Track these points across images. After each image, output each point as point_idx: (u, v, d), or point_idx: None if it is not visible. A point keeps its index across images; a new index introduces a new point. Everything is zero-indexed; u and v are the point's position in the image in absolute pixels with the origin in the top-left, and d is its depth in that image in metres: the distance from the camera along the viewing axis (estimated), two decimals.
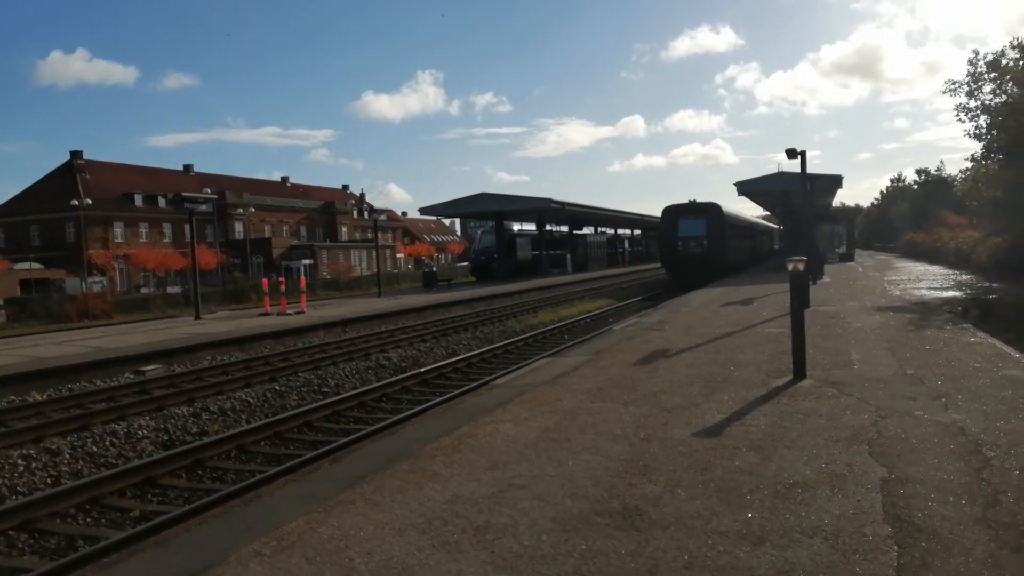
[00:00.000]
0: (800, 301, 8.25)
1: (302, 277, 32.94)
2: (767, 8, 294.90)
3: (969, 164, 29.14)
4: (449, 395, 11.28)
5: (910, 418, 6.14)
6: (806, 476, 4.79)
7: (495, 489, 4.89)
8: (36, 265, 56.60)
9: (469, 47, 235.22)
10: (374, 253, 42.83)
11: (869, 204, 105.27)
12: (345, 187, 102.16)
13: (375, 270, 38.51)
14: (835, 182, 35.92)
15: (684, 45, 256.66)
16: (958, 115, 25.34)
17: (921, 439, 5.50)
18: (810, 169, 20.81)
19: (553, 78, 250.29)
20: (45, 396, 12.57)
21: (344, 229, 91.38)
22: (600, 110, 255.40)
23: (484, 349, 16.22)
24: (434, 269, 51.78)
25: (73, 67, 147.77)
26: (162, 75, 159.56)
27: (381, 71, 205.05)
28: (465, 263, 66.70)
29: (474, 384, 11.97)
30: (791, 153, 21.40)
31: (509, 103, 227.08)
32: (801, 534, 3.87)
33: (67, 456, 9.02)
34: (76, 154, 69.39)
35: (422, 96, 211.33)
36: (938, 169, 78.79)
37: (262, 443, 9.40)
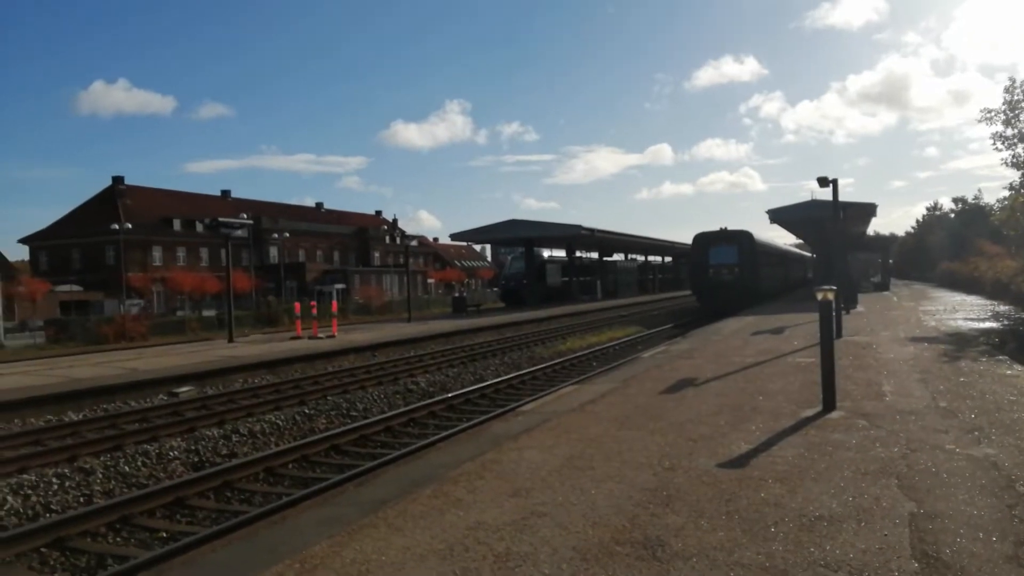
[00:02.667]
0: (829, 331, 8.17)
1: (333, 301, 33.27)
2: (790, 39, 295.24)
3: (1007, 193, 28.62)
4: (475, 421, 11.29)
5: (941, 452, 6.03)
6: (832, 509, 4.73)
7: (517, 516, 4.90)
8: (76, 288, 58.08)
9: (495, 78, 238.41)
10: (405, 278, 43.12)
11: (904, 233, 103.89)
12: (378, 213, 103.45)
13: (406, 295, 38.75)
14: (868, 210, 35.54)
15: (707, 75, 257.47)
16: (995, 143, 24.91)
17: (952, 473, 5.40)
18: (842, 197, 20.70)
19: (578, 108, 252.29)
20: (80, 416, 12.81)
21: (376, 254, 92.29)
22: (627, 138, 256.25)
23: (511, 375, 16.23)
24: (464, 295, 51.93)
25: (113, 97, 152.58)
26: (198, 105, 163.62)
27: (410, 101, 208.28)
28: (495, 289, 66.84)
29: (500, 410, 11.97)
30: (823, 181, 21.29)
31: (535, 132, 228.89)
32: (825, 568, 3.82)
33: (100, 475, 9.17)
34: (118, 179, 71.23)
35: (450, 125, 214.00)
36: (975, 198, 77.47)
37: (290, 466, 9.48)
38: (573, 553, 4.21)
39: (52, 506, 8.19)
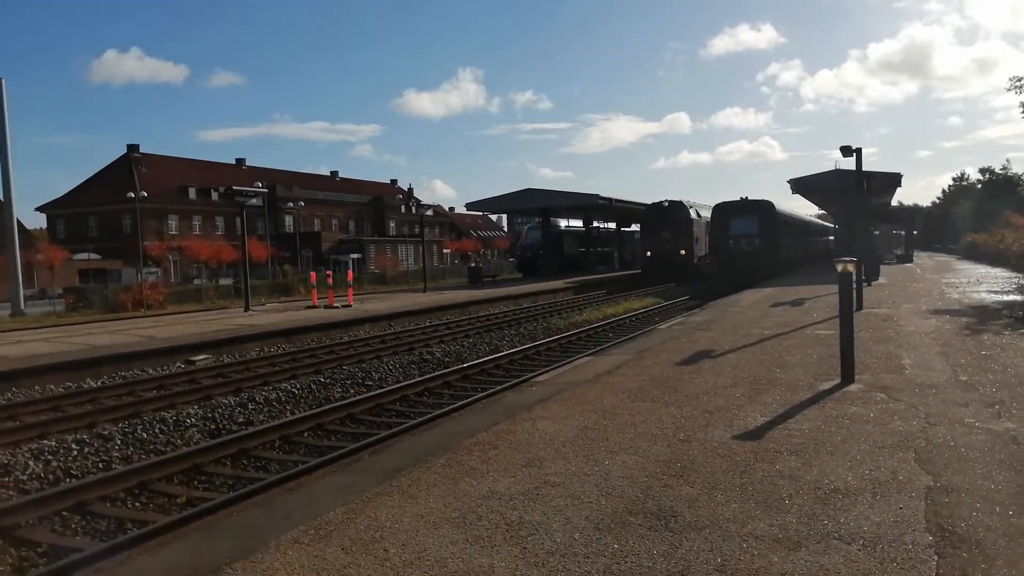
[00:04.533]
0: (849, 303, 8.06)
1: (349, 271, 33.39)
2: (808, 6, 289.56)
3: None
4: (490, 391, 11.32)
5: (960, 425, 5.97)
6: (848, 482, 4.69)
7: (530, 486, 4.90)
8: (94, 256, 58.52)
9: (507, 46, 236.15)
10: (421, 248, 43.13)
11: (929, 204, 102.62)
12: (393, 182, 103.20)
13: (421, 265, 38.79)
14: (893, 180, 35.04)
15: (723, 43, 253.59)
16: None
17: (970, 447, 5.34)
18: (866, 167, 20.31)
19: (593, 76, 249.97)
20: (99, 383, 12.97)
21: (392, 224, 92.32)
22: (644, 107, 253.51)
23: (527, 346, 16.24)
24: (480, 265, 51.90)
25: (126, 65, 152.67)
26: (210, 73, 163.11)
27: (421, 69, 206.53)
28: (511, 259, 66.76)
29: (515, 381, 11.98)
30: (846, 151, 20.92)
31: (549, 100, 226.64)
32: (839, 540, 3.79)
33: (118, 442, 9.29)
34: (133, 147, 71.44)
35: (463, 93, 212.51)
36: (1004, 168, 76.22)
37: (306, 434, 9.56)
38: (586, 523, 4.20)
39: (72, 471, 8.31)
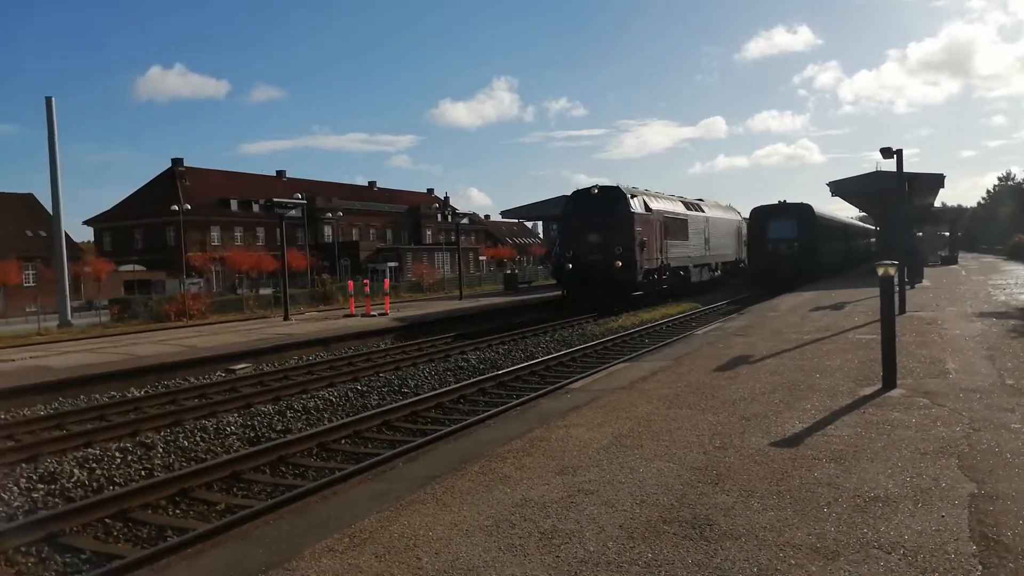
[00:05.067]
0: (890, 306, 7.91)
1: (386, 280, 33.63)
2: (844, 7, 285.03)
3: None
4: (524, 398, 11.30)
5: (1006, 431, 5.80)
6: (888, 490, 4.59)
7: (564, 494, 4.87)
8: (139, 267, 59.92)
9: (541, 55, 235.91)
10: (457, 256, 43.35)
11: (974, 205, 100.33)
12: (430, 191, 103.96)
13: (458, 272, 38.95)
14: (936, 181, 34.30)
15: (758, 46, 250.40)
16: None
17: (1016, 453, 5.18)
18: (908, 168, 19.94)
19: (626, 82, 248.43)
20: (142, 392, 13.24)
21: (428, 232, 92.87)
22: (679, 111, 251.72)
23: (562, 352, 16.19)
24: (515, 272, 51.91)
25: (170, 82, 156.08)
26: (251, 88, 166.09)
27: (457, 79, 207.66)
28: (546, 265, 66.70)
29: (550, 388, 11.94)
30: (887, 152, 20.54)
31: (583, 107, 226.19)
32: (879, 549, 3.71)
33: (160, 450, 9.46)
34: (177, 161, 72.99)
35: (497, 103, 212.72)
36: None
37: (343, 441, 9.63)
38: (619, 531, 4.17)
39: (115, 479, 8.47)
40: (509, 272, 50.38)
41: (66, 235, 33.70)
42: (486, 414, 10.37)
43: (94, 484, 8.29)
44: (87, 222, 74.64)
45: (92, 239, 76.13)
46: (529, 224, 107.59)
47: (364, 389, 13.13)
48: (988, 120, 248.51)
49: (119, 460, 8.99)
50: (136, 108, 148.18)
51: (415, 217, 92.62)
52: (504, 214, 48.26)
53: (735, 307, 25.11)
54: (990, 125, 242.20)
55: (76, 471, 8.51)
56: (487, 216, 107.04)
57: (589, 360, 15.67)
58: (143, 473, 8.72)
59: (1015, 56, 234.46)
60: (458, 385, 12.67)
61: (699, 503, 4.55)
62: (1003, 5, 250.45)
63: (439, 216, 67.63)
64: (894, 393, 7.46)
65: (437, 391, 12.20)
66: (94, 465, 8.76)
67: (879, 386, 7.74)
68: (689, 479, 5.04)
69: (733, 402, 7.47)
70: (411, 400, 11.50)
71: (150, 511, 7.26)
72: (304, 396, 12.51)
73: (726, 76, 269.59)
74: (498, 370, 14.32)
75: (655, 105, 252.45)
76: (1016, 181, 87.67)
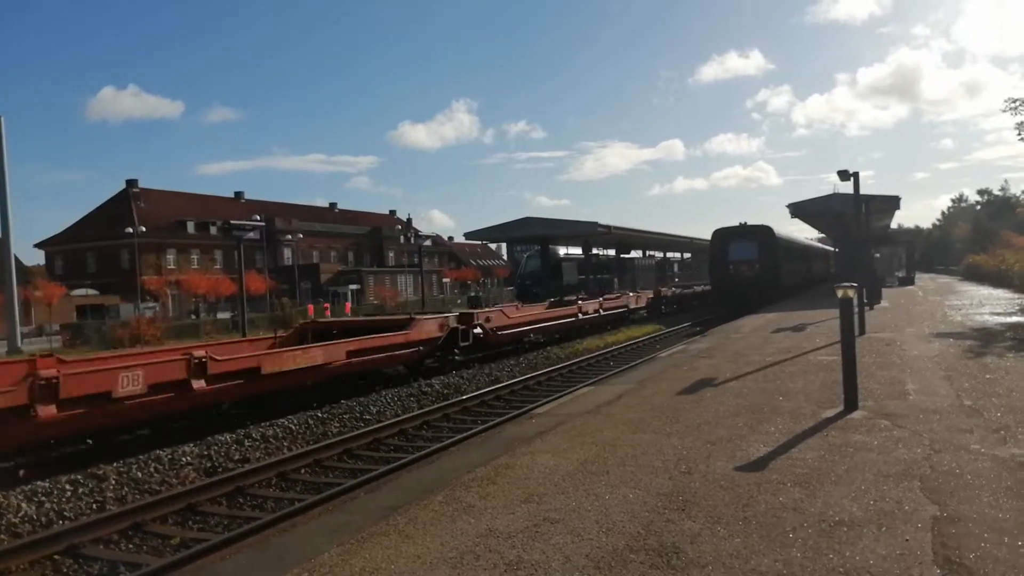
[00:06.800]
0: (850, 328, 8.00)
1: (347, 303, 33.32)
2: (794, 33, 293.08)
3: None
4: (489, 424, 11.19)
5: (966, 452, 5.87)
6: (853, 514, 4.59)
7: (529, 523, 4.79)
8: (92, 291, 58.53)
9: (499, 77, 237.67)
10: (420, 278, 43.14)
11: (929, 226, 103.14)
12: (392, 212, 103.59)
13: (421, 295, 38.75)
14: (892, 203, 35.16)
15: (712, 70, 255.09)
16: (1020, 134, 24.64)
17: (977, 475, 5.24)
18: (864, 190, 20.38)
19: (584, 106, 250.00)
20: None
21: (391, 254, 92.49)
22: (639, 133, 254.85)
23: (527, 376, 16.12)
24: (479, 294, 51.81)
25: (123, 102, 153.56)
26: (207, 108, 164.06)
27: (416, 100, 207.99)
28: (511, 287, 66.78)
29: (515, 412, 11.86)
30: (843, 175, 20.99)
31: (542, 130, 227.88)
32: (844, 575, 3.69)
33: (112, 482, 9.14)
34: (131, 183, 71.79)
35: (457, 124, 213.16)
36: (1002, 189, 76.85)
37: (303, 471, 9.42)
38: (586, 561, 4.10)
39: (66, 513, 8.16)
40: (473, 294, 50.27)
41: (16, 258, 32.81)
42: (450, 441, 10.25)
43: (43, 519, 7.97)
44: (38, 245, 73.06)
45: (43, 262, 74.33)
46: (493, 246, 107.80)
47: (325, 416, 12.89)
48: (937, 143, 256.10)
49: (69, 493, 8.67)
50: (89, 128, 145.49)
51: (377, 239, 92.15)
52: (468, 236, 48.13)
53: (698, 329, 25.32)
54: (939, 148, 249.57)
55: (24, 505, 8.17)
56: (450, 238, 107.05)
57: (555, 384, 15.61)
58: (94, 507, 8.42)
59: (959, 82, 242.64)
60: (421, 411, 12.51)
61: (666, 530, 4.51)
62: (946, 33, 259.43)
63: (401, 238, 67.43)
64: (856, 415, 7.52)
65: (400, 417, 12.02)
66: (43, 498, 8.42)
67: (841, 408, 7.81)
68: (655, 506, 4.99)
69: (698, 426, 7.46)
70: (373, 427, 11.31)
71: (102, 546, 7.00)
72: (263, 424, 12.22)
73: (682, 99, 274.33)
74: (462, 395, 14.18)
75: (616, 126, 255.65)
76: (968, 203, 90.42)
